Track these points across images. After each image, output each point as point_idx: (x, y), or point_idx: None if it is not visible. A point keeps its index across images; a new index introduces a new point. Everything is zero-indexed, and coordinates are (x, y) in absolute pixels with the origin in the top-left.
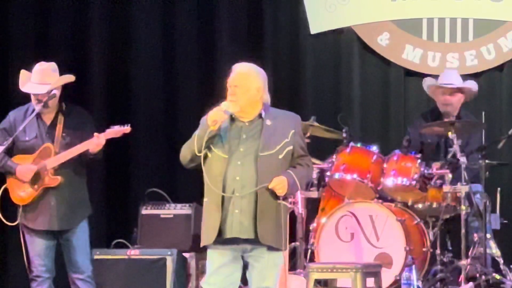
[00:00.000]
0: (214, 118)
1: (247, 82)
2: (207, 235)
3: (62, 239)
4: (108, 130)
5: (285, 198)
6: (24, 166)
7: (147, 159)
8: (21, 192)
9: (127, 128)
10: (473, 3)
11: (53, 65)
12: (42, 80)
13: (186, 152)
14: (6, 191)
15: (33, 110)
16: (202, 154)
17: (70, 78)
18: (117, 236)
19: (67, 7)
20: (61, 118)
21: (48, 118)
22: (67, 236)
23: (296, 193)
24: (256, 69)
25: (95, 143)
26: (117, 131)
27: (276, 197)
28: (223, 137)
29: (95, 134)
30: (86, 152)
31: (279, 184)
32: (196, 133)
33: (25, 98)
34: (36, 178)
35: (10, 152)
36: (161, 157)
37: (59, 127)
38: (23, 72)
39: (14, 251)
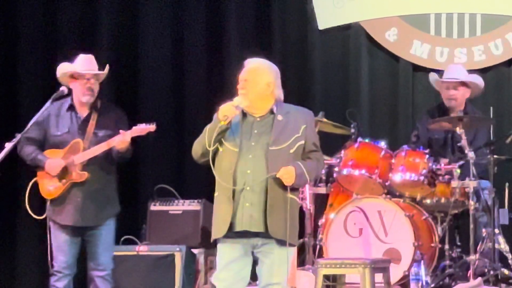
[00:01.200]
0: (225, 113)
1: (256, 76)
2: (218, 228)
3: (86, 236)
4: (133, 128)
5: (294, 189)
6: (53, 160)
7: (156, 155)
8: (49, 186)
9: (152, 127)
10: None
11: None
12: (94, 67)
13: (197, 147)
14: (36, 185)
15: (69, 105)
16: (212, 149)
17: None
18: (126, 232)
19: (76, 2)
20: (94, 115)
21: (82, 113)
22: (92, 233)
23: (305, 188)
24: (267, 64)
25: (120, 140)
26: (142, 129)
27: (285, 188)
28: (235, 132)
29: (121, 131)
30: (113, 149)
31: (286, 174)
32: (207, 127)
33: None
34: (64, 173)
35: (43, 145)
36: (169, 153)
37: (92, 124)
38: (63, 64)
39: (27, 246)
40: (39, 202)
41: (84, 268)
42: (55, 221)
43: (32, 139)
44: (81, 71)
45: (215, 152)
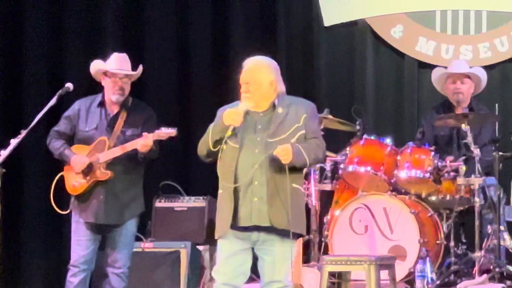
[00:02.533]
0: (230, 122)
1: (258, 77)
2: (220, 227)
3: (108, 233)
4: (156, 131)
5: (295, 170)
6: (78, 156)
7: (161, 152)
8: (74, 182)
9: (173, 132)
10: None
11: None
12: (127, 66)
13: (202, 148)
14: (62, 179)
15: (100, 102)
16: (217, 149)
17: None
18: None
19: (81, 3)
20: (124, 113)
21: (111, 111)
22: (114, 230)
23: (310, 185)
24: (266, 62)
25: (142, 143)
26: (164, 133)
27: (284, 170)
28: (238, 130)
29: (144, 134)
30: (137, 151)
31: (283, 151)
32: (211, 126)
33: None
34: (89, 170)
35: (72, 141)
36: (175, 150)
37: (120, 122)
38: (97, 61)
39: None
40: (65, 197)
41: (101, 266)
42: (78, 217)
43: (61, 133)
44: (114, 70)
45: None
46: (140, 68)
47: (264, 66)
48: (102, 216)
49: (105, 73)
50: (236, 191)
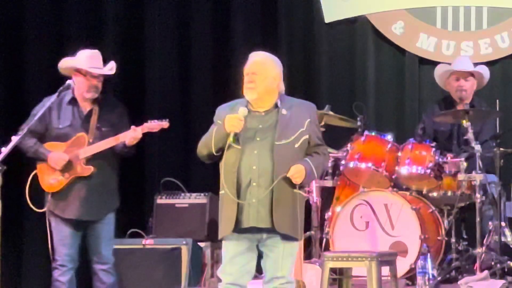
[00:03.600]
0: (231, 129)
1: (265, 69)
2: (225, 227)
3: (88, 229)
4: (145, 124)
5: (301, 187)
6: (56, 153)
7: (162, 148)
8: (51, 180)
9: (165, 123)
10: None
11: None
12: (100, 63)
13: (203, 149)
14: (35, 177)
15: (71, 98)
16: (219, 154)
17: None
18: (132, 225)
19: (82, 4)
20: (96, 109)
21: (84, 107)
22: (94, 226)
23: (311, 182)
24: (273, 57)
25: (132, 136)
26: (155, 125)
27: (292, 185)
28: (239, 134)
29: (132, 127)
30: (120, 144)
31: (297, 173)
32: (214, 130)
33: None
34: (68, 166)
35: (43, 138)
36: (176, 146)
37: (94, 118)
38: (67, 59)
39: (33, 239)
40: (42, 195)
41: (85, 262)
42: (57, 215)
43: (33, 131)
44: (91, 70)
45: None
46: (114, 67)
47: (271, 60)
48: (84, 212)
49: (78, 70)
50: (238, 193)
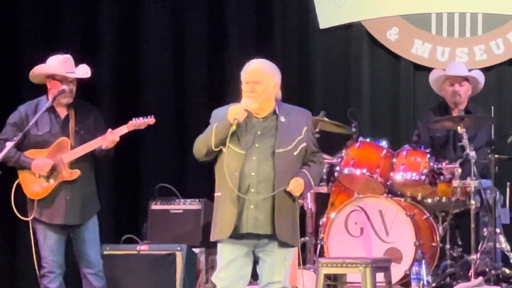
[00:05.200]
0: (234, 116)
1: (266, 79)
2: (221, 230)
3: (73, 234)
4: (130, 122)
5: (298, 196)
6: (40, 160)
7: (157, 154)
8: (35, 187)
9: (151, 120)
10: None
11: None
12: (73, 67)
13: (201, 146)
14: (19, 185)
15: (46, 104)
16: (217, 149)
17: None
18: (126, 231)
19: (77, 3)
20: (72, 113)
21: (61, 113)
22: (79, 231)
23: None
24: (272, 65)
25: (109, 139)
26: (140, 122)
27: (291, 196)
28: (239, 133)
29: (109, 130)
30: (98, 148)
31: (296, 187)
32: (213, 127)
33: (35, 91)
34: (52, 172)
35: (21, 146)
36: (170, 152)
37: (72, 122)
38: (40, 66)
39: (23, 248)
40: (22, 203)
41: (73, 267)
42: (42, 222)
43: (11, 141)
44: (68, 75)
45: (218, 153)
46: (88, 69)
47: (271, 68)
48: (71, 216)
49: (51, 76)
50: (238, 197)
